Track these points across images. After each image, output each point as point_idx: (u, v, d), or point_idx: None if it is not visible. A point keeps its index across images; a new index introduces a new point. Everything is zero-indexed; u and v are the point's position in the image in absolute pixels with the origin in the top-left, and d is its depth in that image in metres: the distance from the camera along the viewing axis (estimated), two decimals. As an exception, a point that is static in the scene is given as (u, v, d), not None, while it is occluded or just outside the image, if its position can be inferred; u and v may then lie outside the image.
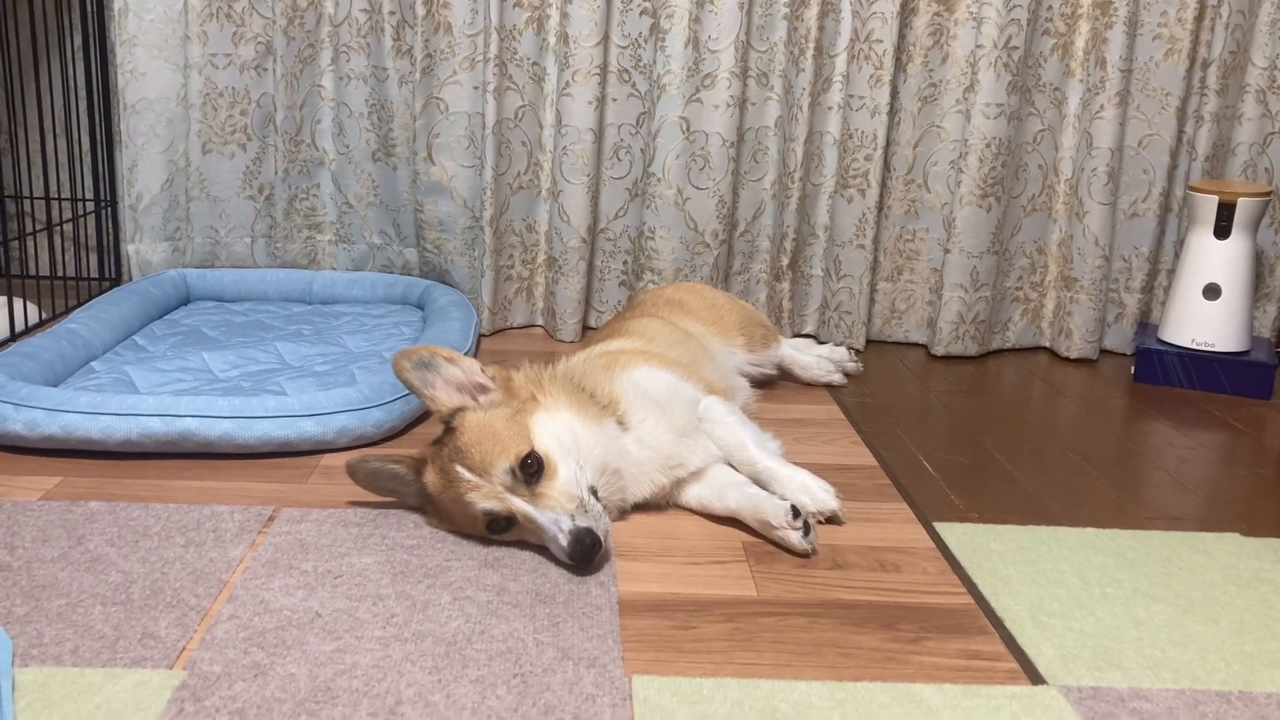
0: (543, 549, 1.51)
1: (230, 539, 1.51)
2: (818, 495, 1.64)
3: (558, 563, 1.48)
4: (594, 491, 1.52)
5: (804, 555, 1.54)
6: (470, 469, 1.49)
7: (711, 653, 1.29)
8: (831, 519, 1.65)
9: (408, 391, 1.94)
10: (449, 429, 1.56)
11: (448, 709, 1.15)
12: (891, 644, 1.33)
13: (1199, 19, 2.55)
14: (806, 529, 1.53)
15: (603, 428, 1.59)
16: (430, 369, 1.60)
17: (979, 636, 1.35)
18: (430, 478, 1.55)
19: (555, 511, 1.45)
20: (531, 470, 1.48)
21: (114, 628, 1.28)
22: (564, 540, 1.43)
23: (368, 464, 1.61)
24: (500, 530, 1.51)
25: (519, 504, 1.47)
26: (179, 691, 1.16)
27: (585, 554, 1.43)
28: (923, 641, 1.34)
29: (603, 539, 1.45)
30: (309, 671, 1.21)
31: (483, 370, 1.62)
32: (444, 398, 1.59)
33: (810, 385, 2.36)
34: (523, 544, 1.53)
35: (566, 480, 1.49)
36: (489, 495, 1.48)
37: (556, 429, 1.55)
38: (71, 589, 1.36)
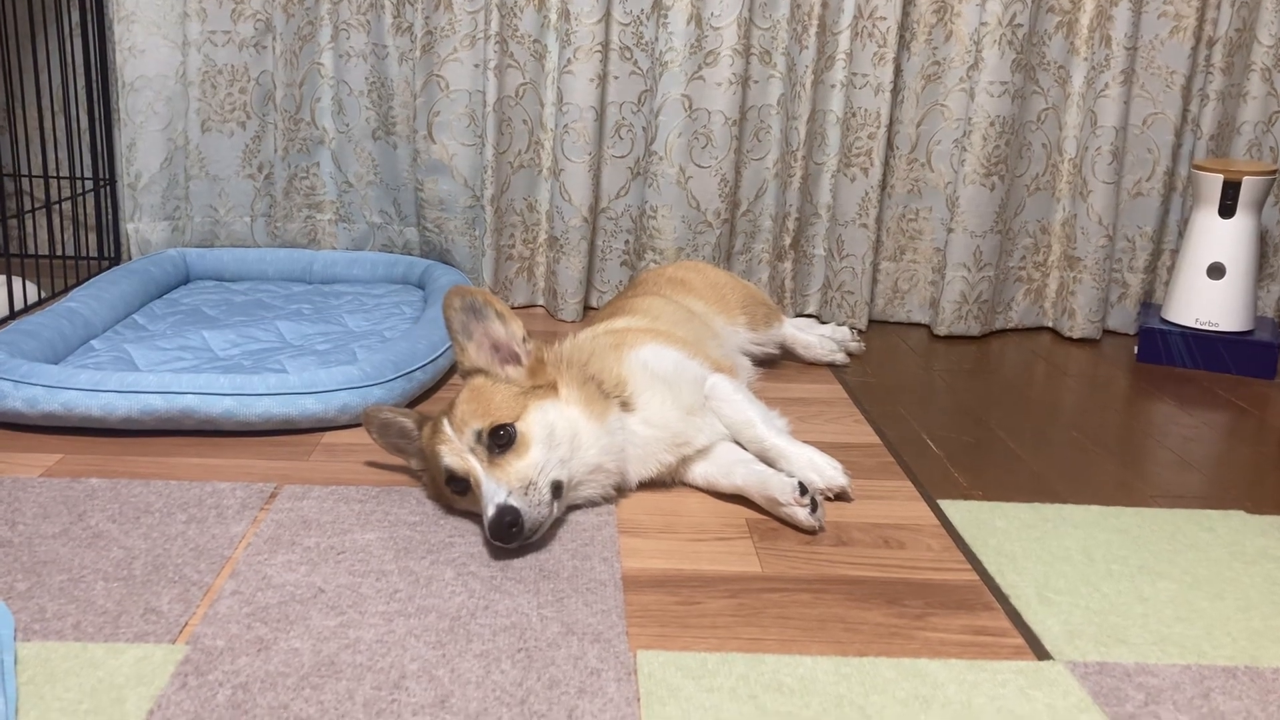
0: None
1: (232, 515, 1.51)
2: (826, 472, 1.63)
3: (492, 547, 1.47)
4: (556, 488, 1.48)
5: (810, 532, 1.53)
6: (451, 425, 1.50)
7: (716, 628, 1.28)
8: (840, 496, 1.64)
9: (410, 369, 1.94)
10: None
11: (452, 683, 1.14)
12: (897, 619, 1.32)
13: (1205, -4, 2.53)
14: (814, 506, 1.53)
15: (606, 424, 1.57)
16: (478, 317, 1.58)
17: (984, 612, 1.35)
18: (425, 432, 1.57)
19: (499, 483, 1.43)
20: (501, 441, 1.47)
21: (116, 603, 1.27)
22: (490, 511, 1.41)
23: (381, 414, 1.63)
24: (458, 490, 1.50)
25: (473, 463, 1.46)
26: (182, 666, 1.15)
27: (502, 531, 1.40)
28: (928, 617, 1.33)
29: (527, 527, 1.41)
30: (312, 646, 1.20)
31: (524, 340, 1.60)
32: (474, 353, 1.58)
33: (813, 365, 2.35)
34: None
35: (531, 462, 1.46)
36: (454, 451, 1.48)
37: (557, 421, 1.53)
38: (73, 564, 1.35)
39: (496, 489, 1.42)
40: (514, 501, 1.41)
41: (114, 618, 1.24)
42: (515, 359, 1.60)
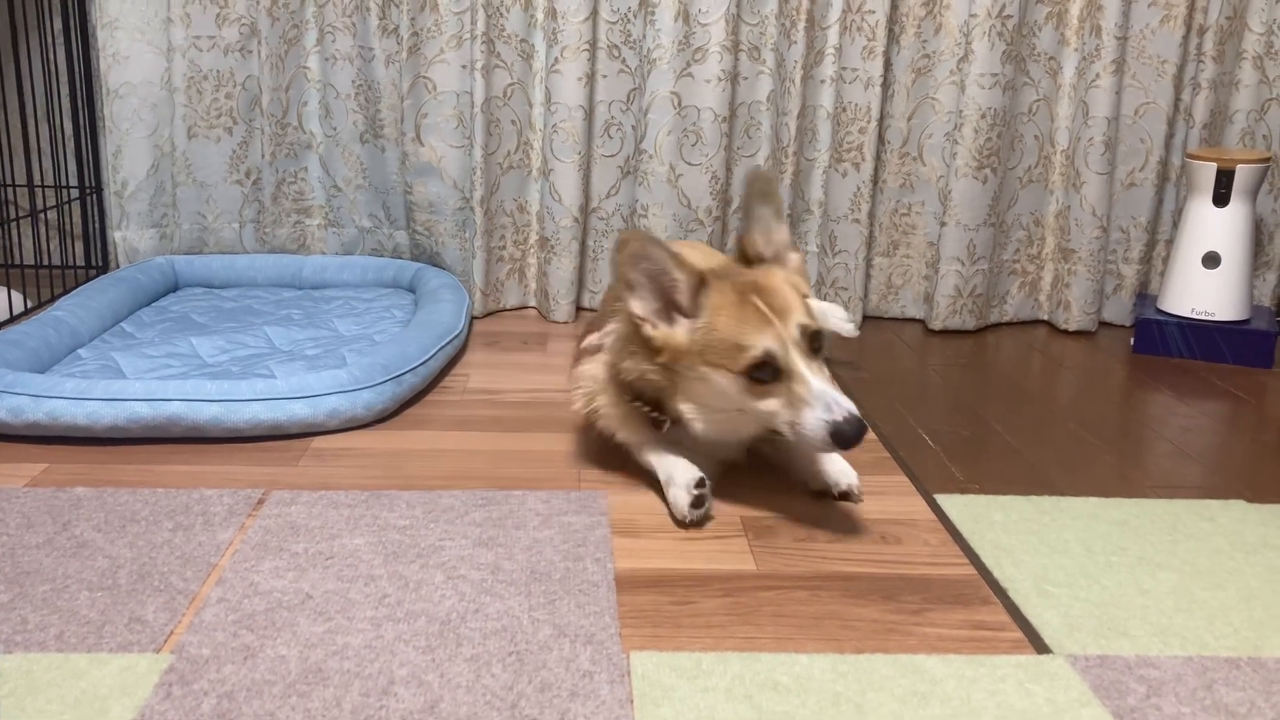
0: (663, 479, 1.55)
1: (219, 522, 1.49)
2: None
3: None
4: None
5: (679, 524, 1.52)
6: (770, 308, 1.44)
7: (711, 627, 1.26)
8: (845, 496, 1.62)
9: (400, 372, 1.92)
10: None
11: (441, 688, 1.12)
12: (893, 615, 1.30)
13: (1195, -16, 2.52)
14: (699, 502, 1.51)
15: None
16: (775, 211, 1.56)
17: (982, 607, 1.33)
18: (716, 295, 1.47)
19: (835, 389, 1.41)
20: (816, 345, 1.45)
21: (100, 612, 1.25)
22: (839, 416, 1.38)
23: (646, 245, 1.47)
24: (760, 378, 1.43)
25: (797, 358, 1.42)
26: (166, 675, 1.13)
27: (852, 438, 1.39)
28: (925, 613, 1.31)
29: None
30: (299, 653, 1.18)
31: (789, 237, 1.58)
32: (763, 242, 1.56)
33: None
34: (521, 524, 1.50)
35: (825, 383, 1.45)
36: (777, 337, 1.43)
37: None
38: (57, 574, 1.33)
39: (836, 395, 1.41)
40: (855, 408, 1.40)
41: (98, 628, 1.22)
42: (779, 260, 1.56)
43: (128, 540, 1.42)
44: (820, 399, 1.40)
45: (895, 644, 1.24)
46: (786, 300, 1.46)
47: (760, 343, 1.42)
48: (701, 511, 1.52)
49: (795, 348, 1.43)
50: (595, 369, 1.66)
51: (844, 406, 1.39)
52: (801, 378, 1.42)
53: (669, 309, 1.51)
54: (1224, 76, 2.59)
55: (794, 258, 1.58)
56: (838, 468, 1.63)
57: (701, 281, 1.48)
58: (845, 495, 1.62)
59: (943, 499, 1.65)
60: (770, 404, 1.44)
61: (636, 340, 1.54)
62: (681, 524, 1.52)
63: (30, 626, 1.22)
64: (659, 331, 1.50)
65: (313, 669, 1.15)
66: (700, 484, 1.52)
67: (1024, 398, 2.18)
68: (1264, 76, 2.56)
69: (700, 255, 2.16)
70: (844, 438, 1.39)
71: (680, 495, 1.52)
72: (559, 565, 1.39)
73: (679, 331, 1.49)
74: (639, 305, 1.50)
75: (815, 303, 1.64)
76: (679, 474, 1.55)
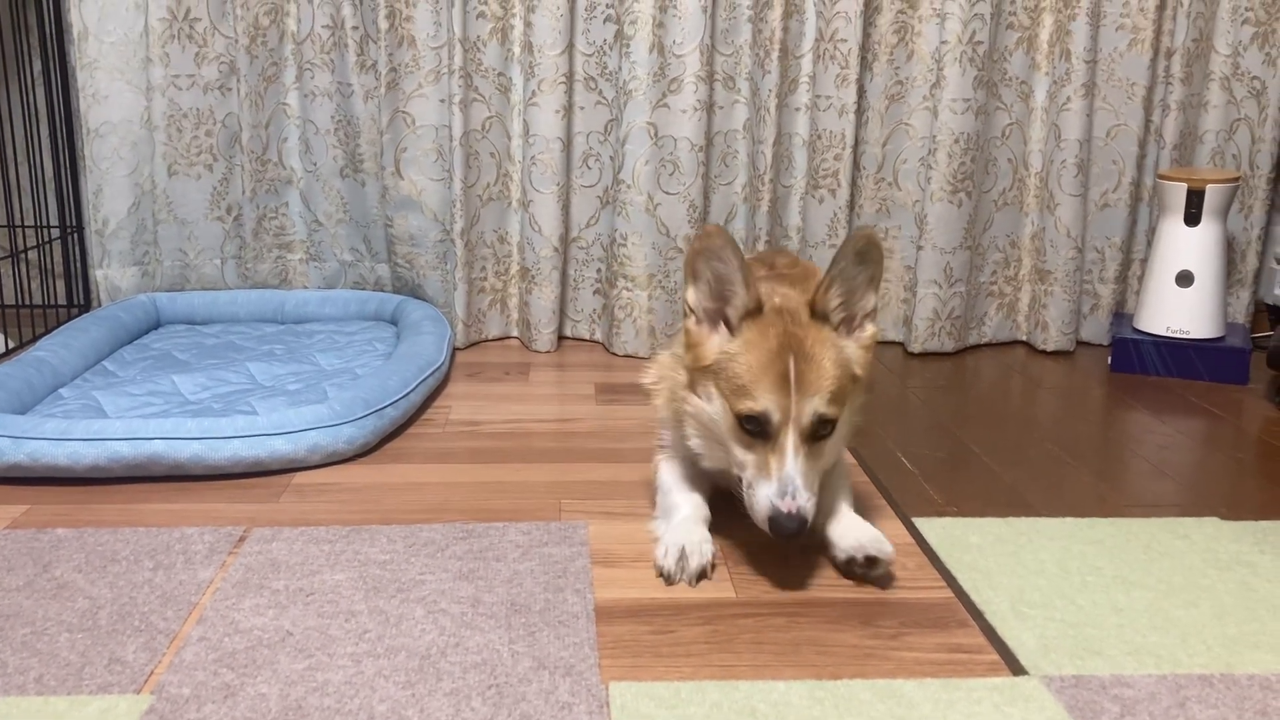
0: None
1: (200, 560, 1.49)
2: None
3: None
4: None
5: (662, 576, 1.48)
6: (798, 376, 1.39)
7: (690, 656, 1.27)
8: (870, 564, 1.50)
9: (381, 406, 1.93)
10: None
11: (421, 723, 1.13)
12: (871, 640, 1.31)
13: (1160, 8, 2.56)
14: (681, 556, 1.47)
15: None
16: (863, 261, 1.44)
17: (959, 630, 1.34)
18: (757, 330, 1.42)
19: (805, 478, 1.38)
20: (822, 433, 1.41)
21: (80, 654, 1.25)
22: (782, 507, 1.36)
23: (727, 244, 1.42)
24: (750, 430, 1.40)
25: (790, 437, 1.38)
26: (146, 716, 1.13)
27: (782, 531, 1.36)
28: (902, 637, 1.32)
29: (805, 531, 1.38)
30: (280, 691, 1.18)
31: (873, 313, 1.49)
32: (834, 297, 1.46)
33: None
34: (502, 556, 1.51)
35: (824, 466, 1.44)
36: (782, 407, 1.38)
37: (846, 426, 1.49)
38: (36, 617, 1.33)
39: (802, 487, 1.37)
40: (809, 511, 1.37)
41: (77, 669, 1.22)
42: (851, 325, 1.48)
43: (108, 581, 1.43)
44: (783, 482, 1.37)
45: (872, 669, 1.25)
46: (818, 377, 1.40)
47: (763, 402, 1.39)
48: (678, 575, 1.47)
49: (794, 425, 1.38)
50: (665, 355, 1.63)
51: (798, 501, 1.36)
52: (781, 453, 1.38)
53: (720, 315, 1.48)
54: (1192, 98, 2.63)
55: (868, 331, 1.49)
56: (866, 534, 1.48)
57: (756, 309, 1.44)
58: (871, 564, 1.46)
59: (920, 522, 1.66)
60: (745, 456, 1.42)
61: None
62: (658, 569, 1.49)
63: (9, 670, 1.22)
64: (698, 329, 1.48)
65: (293, 706, 1.16)
66: (687, 555, 1.46)
67: (1002, 419, 2.20)
68: (1231, 97, 2.60)
69: (803, 272, 2.12)
70: (778, 527, 1.36)
71: (670, 549, 1.48)
72: (539, 597, 1.40)
73: (714, 340, 1.47)
74: (694, 296, 1.47)
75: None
76: (680, 525, 1.52)
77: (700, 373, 1.47)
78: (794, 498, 1.36)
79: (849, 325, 1.48)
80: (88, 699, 1.17)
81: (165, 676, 1.21)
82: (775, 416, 1.39)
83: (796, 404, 1.38)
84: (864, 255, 1.43)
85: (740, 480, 1.44)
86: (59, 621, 1.32)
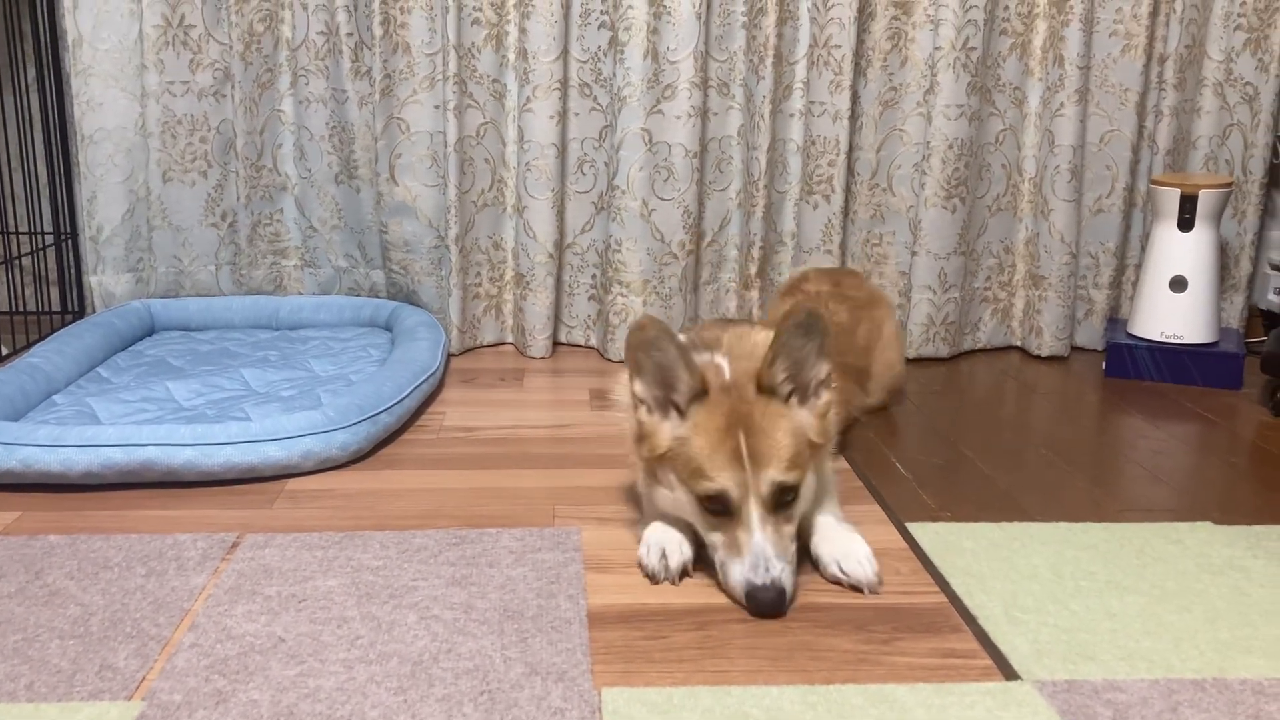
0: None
1: (193, 567, 1.49)
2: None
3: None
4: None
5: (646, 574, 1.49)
6: (750, 450, 1.39)
7: (682, 661, 1.27)
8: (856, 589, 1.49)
9: (375, 412, 1.93)
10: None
11: (413, 729, 1.13)
12: (864, 645, 1.31)
13: (1154, 14, 2.56)
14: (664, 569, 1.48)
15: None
16: (807, 335, 1.44)
17: (952, 635, 1.34)
18: (705, 413, 1.43)
19: (777, 551, 1.38)
20: (785, 501, 1.40)
21: (71, 661, 1.25)
22: (756, 580, 1.36)
23: (662, 334, 1.42)
24: (714, 511, 1.41)
25: (754, 511, 1.38)
26: (137, 723, 1.13)
27: (765, 609, 1.37)
28: (895, 642, 1.32)
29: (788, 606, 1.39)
30: (271, 697, 1.18)
31: (827, 379, 1.48)
32: (779, 371, 1.45)
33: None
34: (495, 562, 1.51)
35: (793, 531, 1.42)
36: (740, 482, 1.39)
37: (810, 489, 1.47)
38: (28, 624, 1.33)
39: (774, 557, 1.37)
40: (786, 580, 1.38)
41: (68, 676, 1.22)
42: (804, 395, 1.48)
43: (100, 587, 1.43)
44: (755, 556, 1.37)
45: (865, 674, 1.25)
46: (772, 447, 1.40)
47: (720, 481, 1.39)
48: (662, 573, 1.48)
49: (755, 498, 1.38)
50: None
51: (772, 573, 1.36)
52: (748, 528, 1.38)
53: (668, 402, 1.48)
54: (1185, 103, 2.64)
55: (823, 398, 1.49)
56: (854, 553, 1.48)
57: (701, 392, 1.44)
58: (856, 589, 1.46)
59: (914, 527, 1.66)
60: (714, 536, 1.42)
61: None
62: (641, 568, 1.50)
63: (0, 677, 1.22)
64: (650, 419, 1.48)
65: (284, 712, 1.15)
66: (668, 554, 1.48)
67: (997, 424, 2.20)
68: (1224, 103, 2.60)
69: (867, 298, 2.11)
70: (757, 603, 1.36)
71: (653, 548, 1.49)
72: (532, 603, 1.40)
73: (665, 428, 1.47)
74: (640, 387, 1.48)
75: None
76: (661, 527, 1.53)
77: (657, 462, 1.48)
78: (767, 570, 1.37)
79: (802, 395, 1.48)
80: (79, 705, 1.16)
81: (157, 683, 1.21)
82: (734, 493, 1.39)
83: (753, 477, 1.39)
84: (808, 329, 1.44)
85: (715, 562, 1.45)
86: (50, 628, 1.32)
